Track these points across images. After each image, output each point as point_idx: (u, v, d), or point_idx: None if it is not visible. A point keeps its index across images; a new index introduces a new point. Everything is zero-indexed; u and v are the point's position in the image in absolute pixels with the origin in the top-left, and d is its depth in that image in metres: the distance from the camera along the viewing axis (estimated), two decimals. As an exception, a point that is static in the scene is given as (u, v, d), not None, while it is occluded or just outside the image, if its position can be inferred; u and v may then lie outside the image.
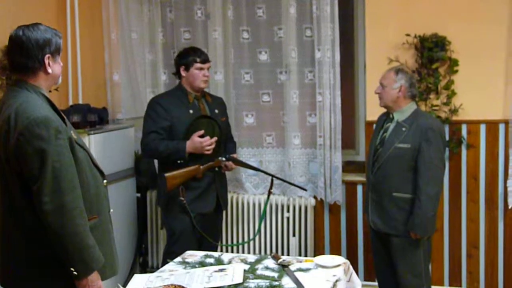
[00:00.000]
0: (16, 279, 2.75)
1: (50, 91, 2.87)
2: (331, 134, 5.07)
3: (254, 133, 5.36)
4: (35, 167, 2.58)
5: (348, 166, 5.34)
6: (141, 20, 5.50)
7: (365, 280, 5.12)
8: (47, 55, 2.73)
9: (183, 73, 4.53)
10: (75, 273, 2.64)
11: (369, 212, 4.26)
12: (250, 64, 5.30)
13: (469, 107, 4.84)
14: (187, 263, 3.42)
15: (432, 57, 4.81)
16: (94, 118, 4.92)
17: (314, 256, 4.31)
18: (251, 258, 3.50)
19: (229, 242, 5.38)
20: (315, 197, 5.21)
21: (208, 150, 4.40)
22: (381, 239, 4.26)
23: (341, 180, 5.12)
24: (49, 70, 2.75)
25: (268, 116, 5.33)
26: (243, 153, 5.32)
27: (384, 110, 4.27)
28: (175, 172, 4.35)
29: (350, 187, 5.19)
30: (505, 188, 4.81)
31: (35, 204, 2.61)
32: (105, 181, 2.98)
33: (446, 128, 4.84)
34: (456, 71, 4.83)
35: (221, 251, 4.86)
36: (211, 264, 3.37)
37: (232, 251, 5.20)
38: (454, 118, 4.86)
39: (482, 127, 4.86)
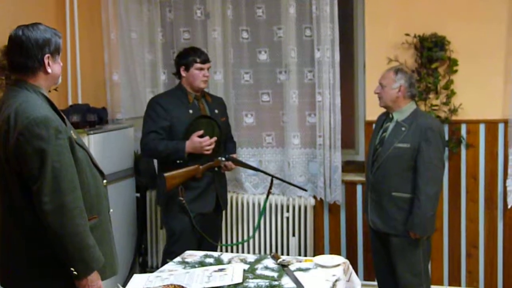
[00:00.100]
0: (16, 279, 2.75)
1: (49, 91, 2.87)
2: (331, 134, 5.07)
3: (254, 133, 5.36)
4: (35, 167, 2.58)
5: (348, 166, 5.34)
6: (141, 20, 5.50)
7: (365, 279, 5.12)
8: (46, 55, 2.73)
9: (183, 73, 4.53)
10: (75, 273, 2.64)
11: (369, 212, 4.26)
12: (250, 64, 5.30)
13: (468, 107, 4.84)
14: (187, 263, 3.43)
15: (431, 56, 4.81)
16: (93, 118, 4.92)
17: (314, 256, 4.31)
18: (251, 258, 3.51)
19: (229, 242, 5.38)
20: (314, 197, 5.21)
21: (207, 150, 4.40)
22: (380, 239, 4.26)
23: (340, 180, 5.12)
24: (49, 70, 2.75)
25: (268, 116, 5.33)
26: (243, 153, 5.32)
27: (383, 110, 4.27)
28: (174, 172, 4.36)
29: (349, 187, 5.19)
30: (505, 187, 4.81)
31: (35, 204, 2.60)
32: (104, 181, 2.98)
33: (446, 128, 4.84)
34: (456, 70, 4.83)
35: (221, 251, 4.86)
36: (210, 264, 3.37)
37: (231, 251, 5.21)
38: (454, 117, 4.86)
39: (482, 127, 4.86)
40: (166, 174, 4.35)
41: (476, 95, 4.82)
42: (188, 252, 3.69)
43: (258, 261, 3.42)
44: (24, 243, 2.72)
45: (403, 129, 4.07)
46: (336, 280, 3.18)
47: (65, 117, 2.83)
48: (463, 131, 4.89)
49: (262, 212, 4.96)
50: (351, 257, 5.03)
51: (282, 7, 5.11)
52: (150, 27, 5.49)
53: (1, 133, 2.66)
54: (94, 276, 2.70)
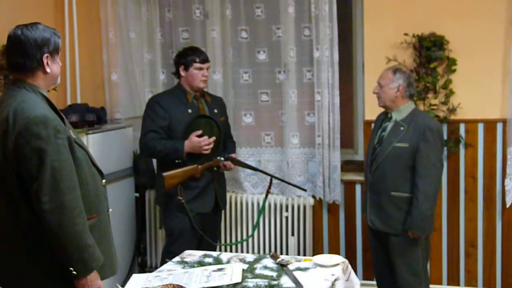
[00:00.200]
0: (15, 279, 2.75)
1: (48, 91, 2.87)
2: (330, 134, 5.07)
3: (253, 133, 5.36)
4: (34, 167, 2.58)
5: (347, 166, 5.34)
6: (139, 20, 5.49)
7: (364, 279, 5.13)
8: (45, 55, 2.72)
9: (182, 73, 4.54)
10: (74, 272, 2.64)
11: (367, 211, 4.26)
12: (249, 63, 5.30)
13: (467, 106, 4.84)
14: (186, 262, 3.43)
15: (430, 56, 4.81)
16: (92, 117, 4.91)
17: (313, 255, 4.31)
18: (250, 257, 3.51)
19: (228, 242, 5.37)
20: (313, 197, 5.21)
21: (206, 149, 4.40)
22: (379, 238, 4.27)
23: (339, 180, 5.12)
24: (48, 70, 2.75)
25: (267, 115, 5.33)
26: (242, 153, 5.32)
27: (382, 109, 4.28)
28: (173, 172, 4.36)
29: (348, 186, 5.19)
30: (503, 187, 4.81)
31: (34, 203, 2.60)
32: (104, 180, 2.98)
33: (444, 128, 4.84)
34: (454, 70, 4.83)
35: (220, 250, 4.86)
36: (209, 264, 3.37)
37: (230, 251, 5.21)
38: (452, 117, 4.86)
39: (480, 126, 4.87)
40: (165, 174, 4.35)
41: (474, 94, 4.82)
42: (187, 252, 3.69)
43: (257, 260, 3.42)
44: (23, 243, 2.72)
45: (401, 128, 4.07)
46: (335, 280, 3.18)
47: (64, 116, 2.83)
48: (462, 131, 4.89)
49: (261, 211, 4.96)
50: (350, 257, 5.03)
51: (281, 6, 5.11)
52: (149, 27, 5.48)
53: (0, 133, 2.66)
54: (94, 276, 2.70)
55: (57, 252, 2.64)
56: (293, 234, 5.23)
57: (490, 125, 4.84)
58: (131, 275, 3.44)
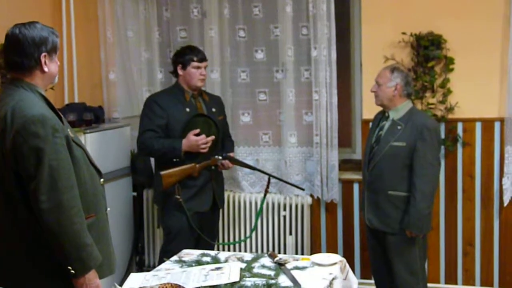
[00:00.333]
0: (14, 279, 2.75)
1: (45, 90, 2.86)
2: (328, 133, 5.07)
3: (251, 132, 5.36)
4: (32, 166, 2.58)
5: (345, 165, 5.34)
6: (137, 19, 5.48)
7: (362, 278, 5.13)
8: (43, 54, 2.72)
9: (180, 72, 4.53)
10: (72, 271, 2.64)
11: (365, 210, 4.26)
12: (247, 62, 5.30)
13: (464, 105, 4.85)
14: (184, 261, 3.43)
15: (428, 55, 4.82)
16: (90, 117, 4.91)
17: (311, 254, 4.32)
18: (248, 256, 3.51)
19: (226, 241, 5.38)
20: (311, 196, 5.22)
21: (203, 148, 4.40)
22: (377, 237, 4.27)
23: (337, 179, 5.12)
24: (46, 69, 2.75)
25: (265, 114, 5.33)
26: (240, 152, 5.31)
27: (380, 108, 4.28)
28: (170, 171, 4.36)
29: (346, 185, 5.20)
30: (501, 186, 4.82)
31: (32, 202, 2.60)
32: (102, 179, 2.98)
33: (442, 126, 4.84)
34: (452, 69, 4.84)
35: (218, 249, 4.86)
36: (207, 263, 3.37)
37: (228, 250, 5.21)
38: (450, 116, 4.87)
39: (478, 125, 4.87)
40: (162, 173, 4.35)
41: (472, 93, 4.83)
42: (185, 251, 3.69)
43: (255, 259, 3.42)
44: (22, 242, 2.72)
45: (399, 127, 4.07)
46: (333, 279, 3.18)
47: (62, 115, 2.82)
48: (460, 130, 4.90)
49: (259, 213, 4.96)
50: (348, 256, 5.04)
51: (278, 5, 5.11)
52: (146, 26, 5.48)
53: (-2, 132, 2.66)
54: (92, 275, 2.70)
55: (55, 251, 2.64)
56: (291, 233, 5.23)
57: (487, 124, 4.85)
58: (129, 274, 3.44)
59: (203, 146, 4.39)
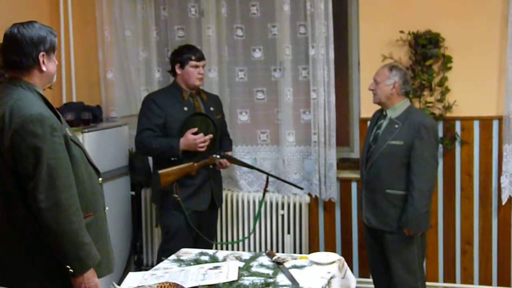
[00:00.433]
0: (12, 278, 2.74)
1: (44, 90, 2.86)
2: (326, 131, 5.07)
3: (249, 131, 5.35)
4: (30, 165, 2.58)
5: (343, 163, 5.35)
6: (135, 18, 5.48)
7: (360, 276, 5.13)
8: (41, 53, 2.73)
9: (178, 71, 4.53)
10: (71, 270, 2.65)
11: (363, 209, 4.27)
12: (244, 61, 5.30)
13: (462, 104, 4.85)
14: (182, 260, 3.42)
15: (425, 54, 4.82)
16: (88, 116, 4.91)
17: (309, 253, 4.31)
18: (246, 255, 3.50)
19: (224, 240, 5.38)
20: (309, 195, 5.22)
21: (201, 147, 4.40)
22: (375, 236, 4.27)
23: (335, 177, 5.12)
24: (44, 68, 2.75)
25: (263, 113, 5.33)
26: (238, 151, 5.31)
27: (378, 107, 4.28)
28: (168, 169, 4.36)
29: (344, 184, 5.20)
30: (499, 184, 4.82)
31: (30, 201, 2.60)
32: (100, 178, 2.98)
33: (440, 125, 4.85)
34: (450, 67, 4.84)
35: (216, 248, 4.86)
36: (205, 262, 3.37)
37: (227, 249, 5.21)
38: (448, 114, 4.87)
39: (476, 124, 4.87)
40: (160, 172, 4.35)
41: (470, 92, 4.83)
42: (183, 250, 3.69)
43: (253, 258, 3.42)
44: (22, 242, 2.72)
45: (396, 126, 4.08)
46: (331, 277, 3.18)
47: (60, 114, 2.82)
48: (458, 128, 4.90)
49: (257, 217, 4.96)
50: (346, 254, 5.04)
51: (276, 4, 5.11)
52: (144, 25, 5.47)
53: (-4, 131, 2.66)
54: (90, 274, 2.70)
55: (54, 250, 2.65)
56: (289, 232, 5.23)
57: (486, 122, 4.85)
58: (127, 273, 3.44)
59: (201, 145, 4.39)
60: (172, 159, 4.39)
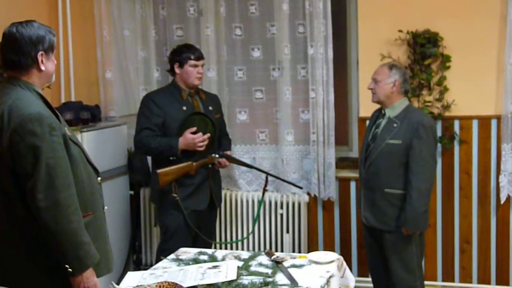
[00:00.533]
0: (15, 278, 2.74)
1: (42, 89, 2.86)
2: (324, 131, 5.07)
3: (247, 130, 5.35)
4: (29, 164, 2.58)
5: (342, 163, 5.35)
6: (133, 18, 5.48)
7: (359, 276, 5.13)
8: (40, 52, 2.72)
9: (177, 70, 4.53)
10: (70, 270, 2.65)
11: (362, 208, 4.27)
12: (243, 60, 5.30)
13: (461, 103, 4.85)
14: (181, 260, 3.42)
15: (424, 53, 4.82)
16: (86, 115, 4.90)
17: (308, 252, 4.31)
18: (245, 254, 3.50)
19: (223, 239, 5.37)
20: (308, 194, 5.22)
21: (200, 146, 4.40)
22: (373, 235, 4.27)
23: (334, 177, 5.12)
24: (42, 68, 2.75)
25: (261, 113, 5.32)
26: (236, 150, 5.31)
27: (377, 106, 4.28)
28: (167, 169, 4.35)
29: (343, 183, 5.20)
30: (497, 183, 4.82)
31: (29, 201, 2.60)
32: (99, 178, 2.98)
33: (439, 124, 4.85)
34: (449, 67, 4.84)
35: (215, 248, 4.86)
36: (204, 261, 3.37)
37: (225, 248, 5.21)
38: (447, 114, 4.87)
39: (475, 123, 4.88)
40: (159, 171, 4.35)
41: (469, 91, 4.83)
42: (182, 249, 3.69)
43: (252, 258, 3.42)
44: (22, 241, 2.72)
45: (395, 125, 4.08)
46: (330, 277, 3.18)
47: (59, 114, 2.82)
48: (456, 127, 4.90)
49: (256, 219, 4.95)
50: (345, 254, 5.04)
51: (275, 3, 5.11)
52: (143, 25, 5.47)
53: (-6, 131, 2.66)
54: (89, 273, 2.70)
55: (53, 249, 2.65)
56: (288, 231, 5.23)
57: (484, 121, 4.85)
58: (126, 273, 3.44)
59: (200, 144, 4.39)
60: (171, 158, 4.39)
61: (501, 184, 4.79)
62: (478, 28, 4.77)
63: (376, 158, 4.11)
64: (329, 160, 5.09)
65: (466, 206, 4.95)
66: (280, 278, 3.10)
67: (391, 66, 4.17)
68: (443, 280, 5.05)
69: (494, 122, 4.83)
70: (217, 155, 4.50)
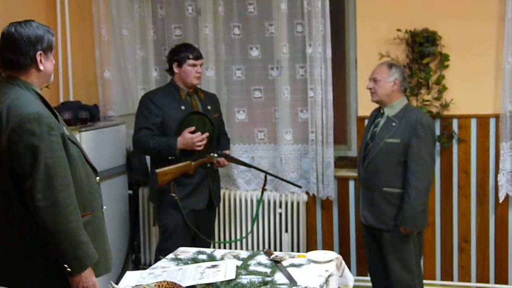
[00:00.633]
0: (14, 278, 2.74)
1: (41, 89, 2.86)
2: (323, 130, 5.07)
3: (246, 129, 5.35)
4: (28, 163, 2.58)
5: (340, 162, 5.35)
6: (132, 17, 5.47)
7: (358, 275, 5.13)
8: (39, 52, 2.72)
9: (175, 70, 4.53)
10: (69, 269, 2.65)
11: (360, 207, 4.27)
12: (242, 60, 5.29)
13: (460, 102, 4.85)
14: (180, 259, 3.43)
15: (423, 52, 4.82)
16: (85, 115, 4.90)
17: (307, 251, 4.31)
18: (244, 254, 3.51)
19: (222, 239, 5.37)
20: (307, 193, 5.22)
21: (199, 146, 4.40)
22: (372, 234, 4.27)
23: (333, 176, 5.12)
24: (41, 67, 2.75)
25: (260, 112, 5.32)
26: (235, 149, 5.31)
27: (375, 105, 4.28)
28: (166, 168, 4.36)
29: (342, 182, 5.20)
30: (496, 182, 4.83)
31: (28, 201, 2.60)
32: (97, 177, 2.97)
33: (437, 123, 4.85)
34: (447, 66, 4.84)
35: (214, 247, 4.86)
36: (203, 261, 3.37)
37: (224, 247, 5.21)
38: (445, 113, 4.87)
39: (473, 122, 4.88)
40: (157, 170, 4.35)
41: (467, 90, 4.83)
42: (181, 249, 3.69)
43: (251, 257, 3.42)
44: (21, 241, 2.71)
45: (393, 124, 4.08)
46: (329, 276, 3.18)
47: (57, 113, 2.82)
48: (455, 126, 4.90)
49: (255, 219, 4.95)
50: (344, 253, 5.04)
51: (273, 3, 5.11)
52: (141, 24, 5.47)
53: (-7, 130, 2.66)
54: (88, 273, 2.70)
55: (52, 249, 2.64)
56: (286, 231, 5.23)
57: (483, 120, 4.85)
58: (125, 272, 3.44)
59: (199, 143, 4.39)
60: (170, 158, 4.39)
61: (499, 183, 4.79)
62: (476, 27, 4.77)
63: (375, 157, 4.11)
64: (327, 159, 5.09)
65: (464, 205, 4.95)
66: (279, 277, 3.11)
67: (390, 65, 4.17)
68: (442, 279, 5.05)
69: (492, 121, 4.83)
70: (215, 155, 4.50)
